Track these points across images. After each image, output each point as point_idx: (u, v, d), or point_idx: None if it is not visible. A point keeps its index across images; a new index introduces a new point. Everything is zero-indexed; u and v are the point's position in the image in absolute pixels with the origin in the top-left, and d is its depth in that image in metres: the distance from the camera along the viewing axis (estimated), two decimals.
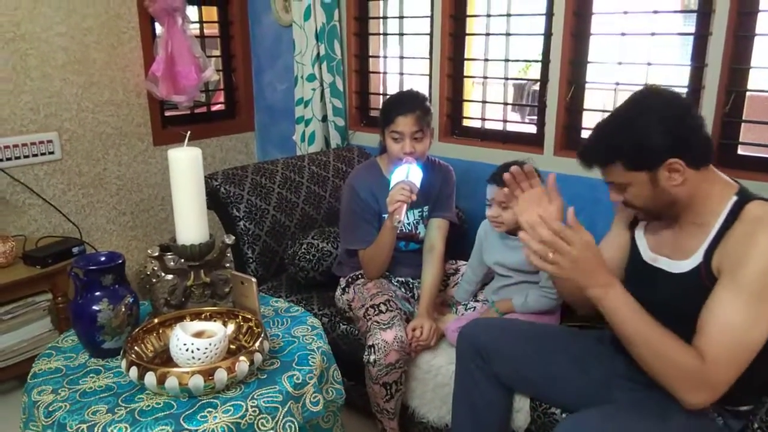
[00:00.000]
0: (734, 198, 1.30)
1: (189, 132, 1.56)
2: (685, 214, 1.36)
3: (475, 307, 2.02)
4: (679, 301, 1.34)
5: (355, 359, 2.02)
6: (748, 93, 2.01)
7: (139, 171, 2.99)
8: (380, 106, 2.15)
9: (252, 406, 1.26)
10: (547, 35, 2.34)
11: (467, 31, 2.61)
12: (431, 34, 2.65)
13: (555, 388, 1.60)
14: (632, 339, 1.27)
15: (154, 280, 1.55)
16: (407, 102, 2.02)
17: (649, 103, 1.30)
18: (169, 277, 1.55)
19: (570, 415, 1.57)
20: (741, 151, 2.07)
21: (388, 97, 2.15)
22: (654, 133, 1.25)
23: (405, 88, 2.82)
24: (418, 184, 1.92)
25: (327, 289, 2.28)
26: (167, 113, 3.11)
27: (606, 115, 1.38)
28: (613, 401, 1.41)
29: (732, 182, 1.35)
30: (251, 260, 2.35)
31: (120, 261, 1.46)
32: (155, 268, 1.55)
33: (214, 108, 3.39)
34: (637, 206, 1.36)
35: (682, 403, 1.24)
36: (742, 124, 2.05)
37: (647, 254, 1.44)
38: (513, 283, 1.95)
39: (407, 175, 1.92)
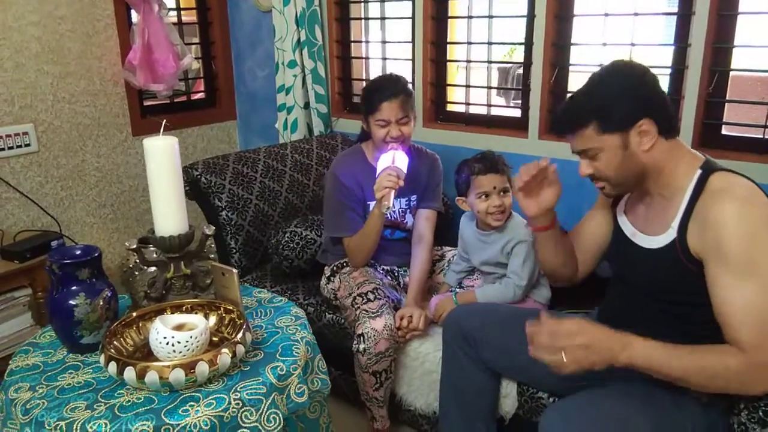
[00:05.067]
0: (699, 171, 1.33)
1: (165, 120, 1.52)
2: (653, 187, 1.39)
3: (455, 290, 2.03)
4: (658, 277, 1.37)
5: (342, 348, 2.01)
6: (731, 72, 2.00)
7: (118, 162, 2.94)
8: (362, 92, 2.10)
9: (235, 399, 1.24)
10: (530, 17, 2.31)
11: (449, 14, 2.57)
12: (413, 18, 2.61)
13: (542, 373, 1.58)
14: (684, 377, 1.25)
15: (137, 273, 1.52)
16: (390, 87, 1.99)
17: (616, 69, 1.37)
18: (150, 269, 1.52)
19: (553, 404, 1.58)
20: (725, 131, 2.07)
21: (369, 82, 2.11)
22: (624, 94, 1.32)
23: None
24: (404, 169, 1.92)
25: (312, 278, 2.26)
26: (146, 103, 3.05)
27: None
28: (601, 385, 1.40)
29: (698, 155, 1.38)
30: (234, 251, 2.32)
31: (96, 254, 1.42)
32: (137, 261, 1.52)
33: (195, 97, 3.33)
34: (607, 175, 1.38)
35: (755, 394, 1.24)
36: (726, 104, 2.04)
37: (628, 229, 1.47)
38: (498, 277, 1.94)
39: (393, 161, 1.91)
